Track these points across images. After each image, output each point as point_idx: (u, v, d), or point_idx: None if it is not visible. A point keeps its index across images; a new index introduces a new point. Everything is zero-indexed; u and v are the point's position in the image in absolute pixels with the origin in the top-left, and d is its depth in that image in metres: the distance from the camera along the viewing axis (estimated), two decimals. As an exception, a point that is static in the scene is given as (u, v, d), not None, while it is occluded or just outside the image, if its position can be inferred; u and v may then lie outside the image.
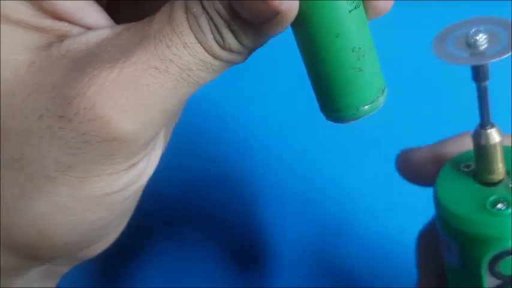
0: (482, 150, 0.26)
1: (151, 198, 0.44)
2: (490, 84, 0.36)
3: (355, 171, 0.44)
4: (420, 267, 0.33)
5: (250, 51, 0.24)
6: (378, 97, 0.24)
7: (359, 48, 0.23)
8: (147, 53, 0.22)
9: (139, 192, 0.27)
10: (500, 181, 0.26)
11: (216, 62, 0.23)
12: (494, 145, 0.25)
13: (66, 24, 0.24)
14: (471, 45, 0.23)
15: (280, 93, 0.46)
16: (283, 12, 0.21)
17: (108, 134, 0.23)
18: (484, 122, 0.25)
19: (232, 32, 0.22)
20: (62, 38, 0.24)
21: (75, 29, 0.25)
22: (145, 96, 0.23)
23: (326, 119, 0.25)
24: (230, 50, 0.23)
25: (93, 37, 0.24)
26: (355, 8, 0.22)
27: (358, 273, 0.41)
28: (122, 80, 0.22)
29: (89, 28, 0.25)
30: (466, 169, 0.27)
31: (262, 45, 0.23)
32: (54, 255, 0.26)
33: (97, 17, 0.25)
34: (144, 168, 0.25)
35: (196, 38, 0.22)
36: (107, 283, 0.45)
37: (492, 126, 0.26)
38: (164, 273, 0.45)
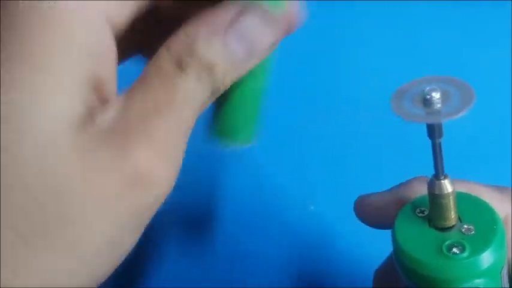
0: (436, 199, 0.27)
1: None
2: (490, 84, 0.38)
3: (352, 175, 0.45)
4: None
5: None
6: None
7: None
8: (168, 119, 0.24)
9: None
10: (453, 226, 0.28)
11: (212, 94, 0.25)
12: (448, 194, 0.27)
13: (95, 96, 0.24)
14: (426, 104, 0.25)
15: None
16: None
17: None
18: (438, 174, 0.27)
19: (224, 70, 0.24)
20: (93, 112, 0.23)
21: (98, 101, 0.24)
22: (175, 149, 0.24)
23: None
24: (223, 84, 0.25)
25: (112, 113, 0.23)
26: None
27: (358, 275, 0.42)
28: (162, 145, 0.23)
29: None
30: (421, 214, 0.29)
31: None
32: None
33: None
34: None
35: (201, 87, 0.24)
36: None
37: (445, 177, 0.27)
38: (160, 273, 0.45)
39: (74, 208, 0.22)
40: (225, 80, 0.25)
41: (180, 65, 0.23)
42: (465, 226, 0.28)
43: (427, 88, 0.25)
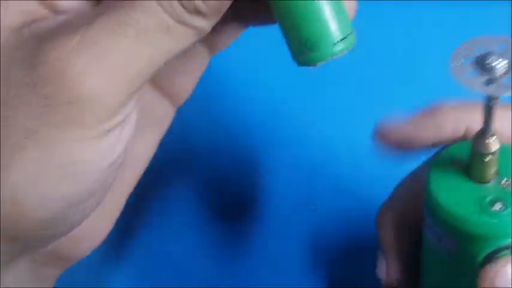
0: (480, 157, 0.27)
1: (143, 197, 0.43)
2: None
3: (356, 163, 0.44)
4: (384, 243, 0.36)
5: (217, 15, 0.24)
6: (349, 34, 0.25)
7: None
8: (108, 19, 0.24)
9: (113, 175, 0.27)
10: (491, 179, 0.28)
11: (179, 28, 0.24)
12: (493, 153, 0.27)
13: (46, 11, 0.26)
14: (487, 70, 0.24)
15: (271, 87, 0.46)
16: None
17: (70, 95, 0.23)
18: (486, 132, 0.27)
19: None
20: (35, 20, 0.25)
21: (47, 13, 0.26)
22: (106, 59, 0.24)
23: (299, 65, 0.26)
24: (197, 13, 0.24)
25: (62, 17, 0.25)
26: None
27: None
28: (83, 45, 0.23)
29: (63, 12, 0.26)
30: (457, 165, 0.29)
31: (226, 7, 0.24)
32: (33, 233, 0.26)
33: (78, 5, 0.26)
34: (115, 141, 0.25)
35: (157, 2, 0.23)
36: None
37: (492, 135, 0.27)
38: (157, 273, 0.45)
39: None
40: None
41: None
42: (504, 180, 0.28)
43: (491, 58, 0.24)
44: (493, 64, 0.24)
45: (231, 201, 0.46)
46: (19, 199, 0.24)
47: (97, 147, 0.25)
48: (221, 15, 0.25)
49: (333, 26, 0.24)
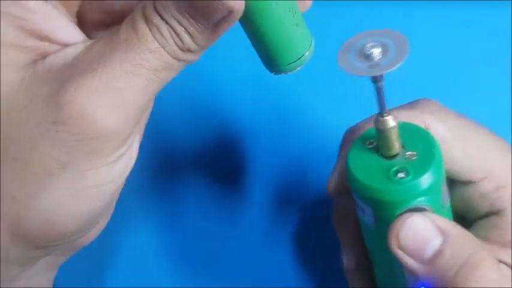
0: (382, 133, 0.32)
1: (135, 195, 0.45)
2: (490, 84, 0.42)
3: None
4: (339, 233, 0.40)
5: (204, 49, 0.28)
6: (311, 43, 0.31)
7: (292, 7, 0.29)
8: (119, 60, 0.27)
9: (123, 182, 0.31)
10: (397, 154, 0.32)
11: (177, 63, 0.28)
12: (391, 129, 0.31)
13: (47, 43, 0.29)
14: (368, 58, 0.29)
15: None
16: (235, 9, 0.26)
17: (96, 131, 0.27)
18: (382, 112, 0.31)
19: (190, 35, 0.27)
20: (43, 55, 0.28)
21: (54, 47, 0.29)
22: (122, 97, 0.27)
23: (275, 74, 0.31)
24: (189, 51, 0.28)
25: (70, 52, 0.28)
26: None
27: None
28: (102, 85, 0.27)
29: (65, 45, 0.29)
30: (370, 145, 0.33)
31: (212, 44, 0.28)
32: (60, 242, 0.30)
33: (72, 34, 0.30)
34: (128, 161, 0.30)
35: (160, 44, 0.27)
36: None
37: (388, 114, 0.31)
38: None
39: (18, 131, 0.27)
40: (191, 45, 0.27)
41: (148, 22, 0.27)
42: (408, 153, 0.32)
43: (368, 45, 0.28)
44: (370, 52, 0.28)
45: (223, 202, 0.47)
46: (50, 219, 0.28)
47: (113, 170, 0.29)
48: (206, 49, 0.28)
49: (285, 53, 0.30)
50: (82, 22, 0.32)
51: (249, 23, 0.29)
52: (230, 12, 0.26)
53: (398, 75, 0.42)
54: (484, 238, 0.33)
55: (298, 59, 0.30)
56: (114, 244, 0.46)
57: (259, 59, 0.31)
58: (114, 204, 0.33)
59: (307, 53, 0.30)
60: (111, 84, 0.27)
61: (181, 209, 0.47)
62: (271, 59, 0.30)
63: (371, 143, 0.33)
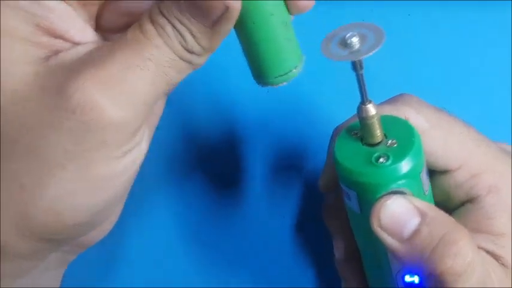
0: (364, 121, 0.34)
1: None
2: (490, 84, 0.43)
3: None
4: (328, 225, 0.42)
5: (207, 53, 0.30)
6: (301, 62, 0.32)
7: (287, 22, 0.31)
8: (127, 54, 0.28)
9: (133, 179, 0.32)
10: (380, 142, 0.34)
11: (182, 63, 0.29)
12: (372, 116, 0.33)
13: (60, 41, 0.30)
14: (348, 46, 0.32)
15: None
16: (232, 6, 0.28)
17: (104, 120, 0.28)
18: (364, 100, 0.33)
19: (192, 34, 0.29)
20: (56, 52, 0.30)
21: (67, 45, 0.30)
22: (130, 88, 0.28)
23: (264, 86, 0.32)
24: (192, 52, 0.29)
25: (81, 50, 0.30)
26: None
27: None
28: (111, 77, 0.28)
29: (77, 43, 0.31)
30: (355, 135, 0.35)
31: (216, 48, 0.30)
32: (66, 235, 0.31)
33: (85, 34, 0.31)
34: (137, 157, 0.31)
35: (164, 41, 0.29)
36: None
37: (370, 102, 0.33)
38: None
39: (32, 120, 0.28)
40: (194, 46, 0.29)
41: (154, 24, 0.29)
42: (390, 141, 0.34)
43: (348, 34, 0.31)
44: (349, 41, 0.31)
45: (222, 203, 0.47)
46: (58, 210, 0.29)
47: (121, 164, 0.30)
48: (211, 53, 0.30)
49: (273, 66, 0.32)
50: (99, 25, 0.33)
51: (243, 30, 0.31)
52: (227, 8, 0.28)
53: (399, 75, 0.46)
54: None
55: (286, 73, 0.32)
56: (116, 244, 0.47)
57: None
58: (123, 202, 0.34)
59: (295, 69, 0.32)
60: (119, 75, 0.28)
61: (184, 209, 0.48)
62: (259, 70, 0.32)
63: (356, 133, 0.35)
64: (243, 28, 0.31)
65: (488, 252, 0.34)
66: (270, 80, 0.32)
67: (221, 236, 0.47)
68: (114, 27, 0.33)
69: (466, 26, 0.47)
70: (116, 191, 0.31)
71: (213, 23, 0.29)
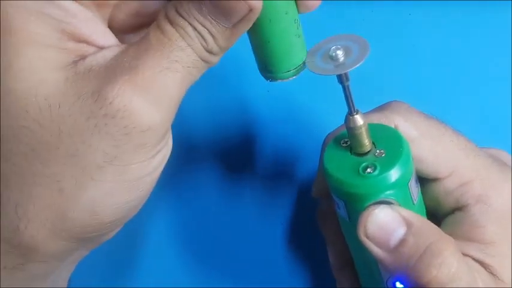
0: (352, 131, 0.34)
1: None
2: (490, 85, 0.43)
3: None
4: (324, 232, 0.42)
5: (223, 52, 0.31)
6: (299, 65, 0.33)
7: (297, 19, 0.32)
8: (156, 58, 0.29)
9: (160, 174, 0.32)
10: (368, 152, 0.34)
11: (202, 64, 0.30)
12: (360, 127, 0.34)
13: (85, 45, 0.31)
14: (333, 59, 0.32)
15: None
16: (255, 7, 0.29)
17: (143, 124, 0.29)
18: (351, 111, 0.34)
19: (212, 36, 0.30)
20: (82, 56, 0.30)
21: (91, 49, 0.31)
22: (163, 91, 0.29)
23: (273, 80, 0.34)
24: (211, 52, 0.30)
25: (108, 54, 0.30)
26: None
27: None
28: (145, 81, 0.29)
29: (101, 47, 0.31)
30: (344, 145, 0.36)
31: (230, 47, 0.31)
32: (102, 232, 0.31)
33: (107, 38, 0.32)
34: (166, 153, 0.32)
35: (187, 43, 0.29)
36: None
37: (357, 112, 0.34)
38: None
39: (70, 126, 0.29)
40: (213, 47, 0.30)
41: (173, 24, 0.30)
42: (378, 151, 0.34)
43: (332, 48, 0.31)
44: (334, 54, 0.31)
45: (226, 202, 0.48)
46: (96, 210, 0.30)
47: (153, 162, 0.31)
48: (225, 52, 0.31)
49: (284, 61, 0.33)
50: (111, 26, 0.34)
51: (257, 28, 0.32)
52: (250, 10, 0.29)
53: (399, 75, 0.46)
54: (451, 234, 0.34)
55: (295, 68, 0.33)
56: (114, 244, 0.45)
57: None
58: (148, 196, 0.34)
59: (302, 64, 0.33)
60: (153, 79, 0.29)
61: (180, 212, 0.48)
62: (269, 65, 0.33)
63: (345, 143, 0.35)
64: (257, 26, 0.31)
65: (476, 260, 0.34)
66: (279, 74, 0.33)
67: (216, 240, 0.48)
68: (125, 28, 0.34)
69: (466, 26, 0.47)
70: (149, 187, 0.32)
71: (234, 25, 0.30)
